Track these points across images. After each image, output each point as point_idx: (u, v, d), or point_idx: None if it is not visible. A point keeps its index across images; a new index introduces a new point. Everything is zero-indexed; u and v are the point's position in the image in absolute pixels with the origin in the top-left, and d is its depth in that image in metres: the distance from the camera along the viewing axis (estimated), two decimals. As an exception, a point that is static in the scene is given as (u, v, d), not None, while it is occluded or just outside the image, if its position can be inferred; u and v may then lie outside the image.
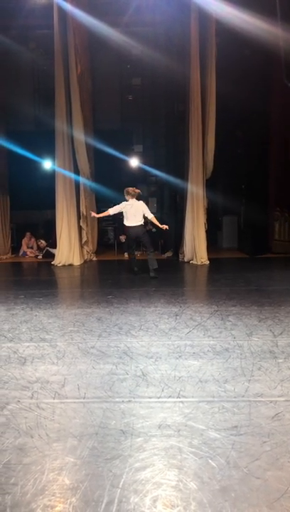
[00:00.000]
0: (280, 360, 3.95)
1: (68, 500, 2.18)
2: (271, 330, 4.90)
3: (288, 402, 3.13)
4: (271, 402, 3.15)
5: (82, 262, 11.23)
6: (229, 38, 10.25)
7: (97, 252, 12.14)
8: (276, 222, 12.17)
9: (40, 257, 12.41)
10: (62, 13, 10.32)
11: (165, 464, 2.45)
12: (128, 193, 8.19)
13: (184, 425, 2.85)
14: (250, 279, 8.35)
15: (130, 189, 8.29)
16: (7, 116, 12.75)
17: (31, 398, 3.30)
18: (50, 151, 11.40)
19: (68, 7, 10.20)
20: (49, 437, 2.74)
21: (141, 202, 8.35)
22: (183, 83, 11.05)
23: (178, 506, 2.12)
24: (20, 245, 13.21)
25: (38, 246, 12.89)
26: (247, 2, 9.29)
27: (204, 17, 10.13)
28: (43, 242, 12.71)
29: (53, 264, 11.00)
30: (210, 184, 11.15)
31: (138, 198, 8.43)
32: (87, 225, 11.39)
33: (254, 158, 12.93)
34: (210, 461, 2.46)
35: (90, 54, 12.08)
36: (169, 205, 14.08)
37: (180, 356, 4.13)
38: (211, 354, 4.17)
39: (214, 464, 2.43)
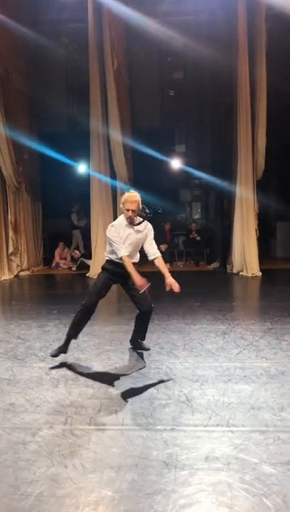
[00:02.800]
0: None
1: (105, 539, 2.18)
2: None
3: None
4: None
5: (120, 274, 11.32)
6: (280, 23, 10.15)
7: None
8: None
9: (74, 268, 12.60)
10: (97, 5, 10.54)
11: (214, 502, 2.41)
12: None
13: (234, 458, 2.80)
14: (309, 293, 8.16)
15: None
16: (38, 117, 13.11)
17: (65, 424, 3.34)
18: (84, 153, 11.61)
19: (103, -2, 10.42)
20: (84, 468, 2.76)
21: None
22: (229, 75, 11.03)
23: None
24: (52, 256, 13.47)
25: (71, 257, 13.11)
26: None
27: (252, 2, 10.11)
28: (77, 252, 12.93)
29: (88, 276, 11.15)
30: (262, 186, 11.02)
31: None
32: (124, 234, 11.48)
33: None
34: (264, 499, 2.41)
35: (127, 47, 12.27)
36: (215, 210, 14.00)
37: (229, 380, 4.08)
38: (265, 378, 4.10)
39: (269, 504, 2.37)
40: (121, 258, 4.45)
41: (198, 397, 3.73)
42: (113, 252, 4.55)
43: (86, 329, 6.01)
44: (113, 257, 4.61)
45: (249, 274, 10.49)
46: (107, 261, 4.72)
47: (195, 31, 12.35)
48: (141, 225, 4.56)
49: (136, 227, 4.53)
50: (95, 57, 10.78)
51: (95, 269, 11.15)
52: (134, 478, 2.64)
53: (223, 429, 3.19)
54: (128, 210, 4.41)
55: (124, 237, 4.48)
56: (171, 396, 3.77)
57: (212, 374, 4.24)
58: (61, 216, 14.18)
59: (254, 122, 10.56)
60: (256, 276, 10.45)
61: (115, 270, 4.65)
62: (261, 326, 5.95)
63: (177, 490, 2.52)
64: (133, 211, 4.42)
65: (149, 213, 4.66)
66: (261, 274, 10.51)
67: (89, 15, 10.63)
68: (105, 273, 4.72)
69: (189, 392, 3.83)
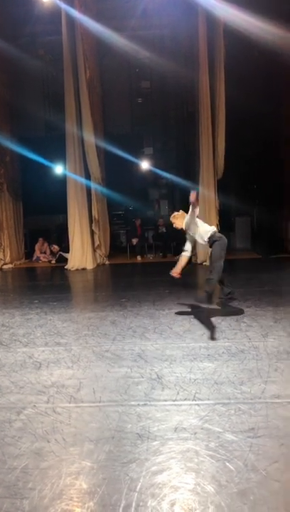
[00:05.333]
0: (296, 361, 3.91)
1: (86, 505, 2.17)
2: (286, 330, 4.85)
3: (305, 404, 3.09)
4: (288, 403, 3.11)
5: (95, 265, 11.26)
6: (237, 40, 10.22)
7: (109, 256, 12.17)
8: (290, 222, 12.07)
9: (53, 261, 12.47)
10: (70, 20, 10.40)
11: (182, 468, 2.43)
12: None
13: (200, 428, 2.83)
14: (264, 280, 8.28)
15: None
16: (18, 123, 12.87)
17: (47, 403, 3.31)
18: (61, 156, 11.47)
19: (76, 13, 10.27)
20: (65, 442, 2.74)
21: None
22: (191, 85, 11.05)
23: (196, 510, 2.10)
24: (33, 251, 13.29)
25: (51, 251, 12.96)
26: (253, 4, 9.27)
27: (211, 20, 10.12)
28: (56, 246, 12.78)
29: (66, 269, 11.05)
30: (222, 185, 11.11)
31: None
32: (99, 229, 11.42)
33: (266, 159, 12.86)
34: (227, 464, 2.44)
35: (99, 58, 12.15)
36: (180, 207, 14.06)
37: (195, 358, 4.11)
38: (226, 356, 4.14)
39: (231, 467, 2.41)
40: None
41: (168, 374, 3.75)
42: (206, 233, 5.60)
43: (65, 316, 5.99)
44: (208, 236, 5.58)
45: (212, 264, 10.57)
46: (214, 237, 5.58)
47: (160, 45, 12.32)
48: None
49: None
50: (69, 68, 10.64)
51: (73, 261, 11.06)
52: (111, 449, 2.64)
53: (190, 402, 3.21)
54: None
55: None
56: (143, 374, 3.78)
57: (180, 354, 4.27)
58: (40, 214, 14.01)
59: (214, 129, 10.61)
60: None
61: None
62: (222, 309, 6.02)
63: (149, 458, 2.53)
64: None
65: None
66: (222, 263, 10.60)
67: (63, 28, 10.48)
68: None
69: (159, 371, 3.84)
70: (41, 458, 2.58)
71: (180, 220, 5.78)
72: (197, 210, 5.53)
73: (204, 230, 5.65)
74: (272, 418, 2.91)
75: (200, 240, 5.71)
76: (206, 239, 5.62)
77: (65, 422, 2.99)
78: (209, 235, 5.61)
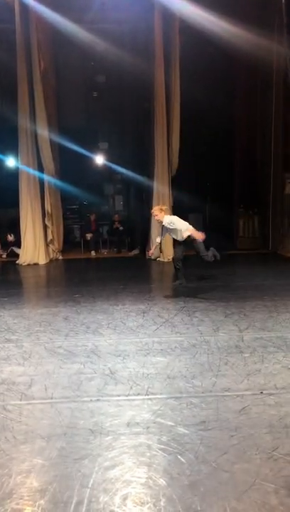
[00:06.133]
0: (246, 355, 4.02)
1: (37, 503, 2.14)
2: (237, 325, 4.98)
3: (254, 396, 3.19)
4: (237, 396, 3.20)
5: (48, 260, 11.07)
6: (192, 35, 10.31)
7: (63, 251, 12.00)
8: (241, 220, 12.36)
9: (4, 256, 12.13)
10: (24, 8, 10.10)
11: (135, 462, 2.45)
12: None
13: (153, 422, 2.86)
14: (216, 276, 8.45)
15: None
16: None
17: (-3, 400, 3.23)
18: (13, 148, 11.17)
19: (30, 1, 10.00)
20: (16, 439, 2.69)
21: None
22: (148, 81, 11.06)
23: (147, 503, 2.12)
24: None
25: (4, 242, 12.41)
26: (208, 0, 9.38)
27: (168, 15, 10.16)
28: (9, 236, 12.22)
29: (18, 264, 10.80)
30: (176, 182, 11.21)
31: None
32: (52, 223, 11.23)
33: (219, 157, 13.09)
34: (179, 457, 2.48)
35: (54, 50, 11.90)
36: (135, 203, 14.07)
37: (148, 353, 4.14)
38: (178, 350, 4.20)
39: (183, 460, 2.45)
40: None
41: (121, 369, 3.76)
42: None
43: (16, 312, 5.86)
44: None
45: (165, 260, 10.67)
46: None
47: (117, 39, 12.21)
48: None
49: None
50: (23, 58, 10.34)
51: (24, 256, 10.82)
52: (63, 446, 2.62)
53: (143, 397, 3.23)
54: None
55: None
56: (96, 370, 3.76)
57: (133, 349, 4.28)
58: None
59: (169, 125, 10.67)
60: (170, 261, 10.64)
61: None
62: (175, 304, 6.09)
63: (102, 454, 2.53)
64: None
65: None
66: (175, 259, 10.72)
67: (16, 17, 10.16)
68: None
69: (112, 366, 3.84)
70: (-10, 457, 2.51)
71: (163, 213, 6.80)
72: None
73: (183, 230, 6.75)
74: (222, 411, 2.98)
75: (175, 237, 6.89)
76: (184, 237, 6.77)
77: (15, 420, 2.93)
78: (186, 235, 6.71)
